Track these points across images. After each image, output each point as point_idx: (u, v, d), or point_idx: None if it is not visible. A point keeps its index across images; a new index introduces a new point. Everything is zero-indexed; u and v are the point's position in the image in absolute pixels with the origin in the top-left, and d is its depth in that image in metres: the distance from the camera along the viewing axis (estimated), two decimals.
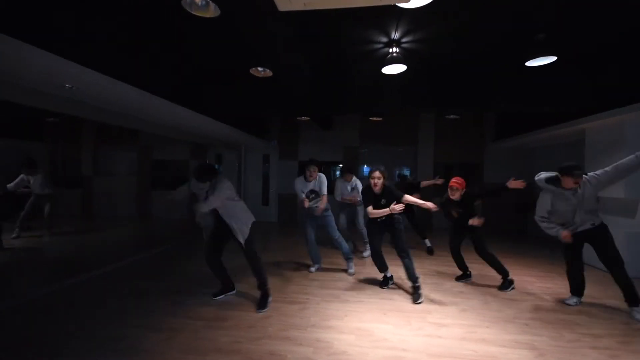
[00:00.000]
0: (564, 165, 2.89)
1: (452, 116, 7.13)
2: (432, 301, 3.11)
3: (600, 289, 3.52)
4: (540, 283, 3.71)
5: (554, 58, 3.50)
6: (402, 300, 3.11)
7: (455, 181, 3.58)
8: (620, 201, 4.25)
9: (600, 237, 2.95)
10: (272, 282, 3.52)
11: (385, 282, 3.53)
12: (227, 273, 3.20)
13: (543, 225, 3.03)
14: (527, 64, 3.66)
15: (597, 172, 2.90)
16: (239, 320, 2.65)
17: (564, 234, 2.90)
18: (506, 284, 3.50)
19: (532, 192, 6.94)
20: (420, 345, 2.31)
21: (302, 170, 4.10)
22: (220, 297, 3.12)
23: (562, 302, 3.16)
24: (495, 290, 3.43)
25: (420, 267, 4.25)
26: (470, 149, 7.66)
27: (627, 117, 3.94)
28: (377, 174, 3.32)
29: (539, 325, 2.63)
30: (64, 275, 3.65)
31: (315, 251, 4.07)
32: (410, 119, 7.81)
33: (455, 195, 3.58)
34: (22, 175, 5.53)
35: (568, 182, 2.85)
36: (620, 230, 4.11)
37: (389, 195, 3.40)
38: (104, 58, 2.88)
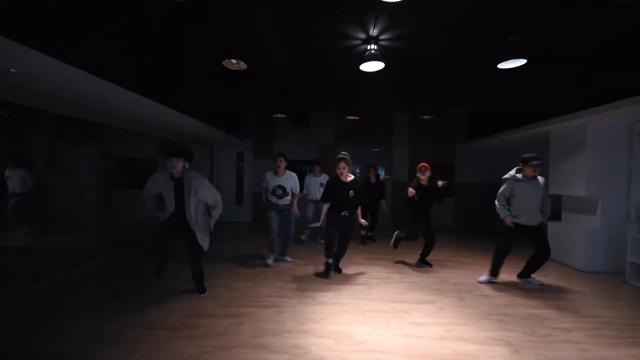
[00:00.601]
0: (525, 156, 3.46)
1: (426, 117, 7.26)
2: (410, 300, 3.09)
3: (567, 284, 3.68)
4: (510, 278, 3.82)
5: (524, 61, 3.62)
6: (379, 300, 3.06)
7: (424, 164, 4.16)
8: (581, 199, 4.50)
9: (539, 231, 3.51)
10: (245, 286, 3.35)
11: (328, 272, 3.73)
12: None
13: (499, 206, 3.54)
14: (499, 66, 3.75)
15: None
16: (209, 327, 2.46)
17: (508, 220, 3.46)
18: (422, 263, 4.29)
19: (498, 190, 7.19)
20: (399, 346, 2.25)
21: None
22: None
23: (479, 281, 3.68)
24: (469, 287, 3.49)
25: (395, 265, 4.26)
26: (442, 149, 7.86)
27: (588, 120, 4.16)
28: (342, 164, 3.55)
29: (512, 321, 2.67)
30: (13, 284, 3.25)
31: (275, 242, 4.12)
32: (385, 120, 7.87)
33: (425, 176, 4.10)
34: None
35: (528, 170, 3.42)
36: (580, 227, 4.35)
37: (357, 189, 3.60)
38: (52, 38, 2.56)
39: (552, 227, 4.85)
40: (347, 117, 7.44)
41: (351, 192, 3.55)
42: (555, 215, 4.99)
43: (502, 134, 5.84)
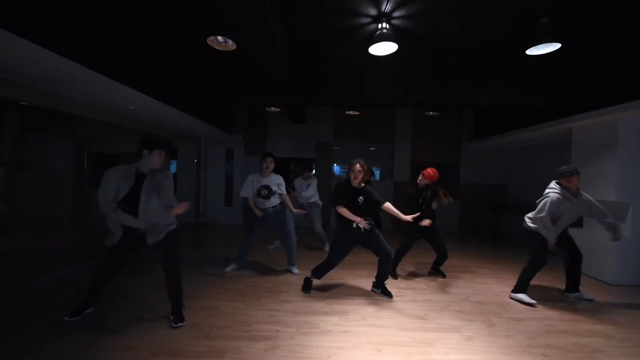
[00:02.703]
0: (567, 169, 3.02)
1: (431, 113, 6.79)
2: (431, 327, 2.58)
3: (601, 301, 3.23)
4: (537, 296, 3.35)
5: (558, 45, 3.15)
6: (393, 328, 2.54)
7: (429, 171, 3.61)
8: (608, 204, 4.05)
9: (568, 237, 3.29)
10: (232, 308, 2.78)
11: (309, 287, 3.25)
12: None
13: (545, 229, 3.07)
14: (528, 52, 3.28)
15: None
16: None
17: (553, 242, 3.09)
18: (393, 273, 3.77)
19: (506, 193, 6.74)
20: None
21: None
22: (76, 318, 2.47)
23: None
24: (495, 307, 3.00)
25: (404, 277, 3.75)
26: (447, 148, 7.41)
27: (621, 116, 3.72)
28: (357, 167, 3.01)
29: (559, 356, 2.18)
30: None
31: (246, 252, 3.85)
32: (387, 116, 7.37)
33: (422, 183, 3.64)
34: None
35: (574, 181, 2.98)
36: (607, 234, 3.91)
37: (368, 195, 3.06)
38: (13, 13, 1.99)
39: (574, 235, 4.39)
40: (347, 113, 6.91)
41: (360, 198, 3.04)
42: (576, 221, 4.56)
43: (518, 131, 5.40)
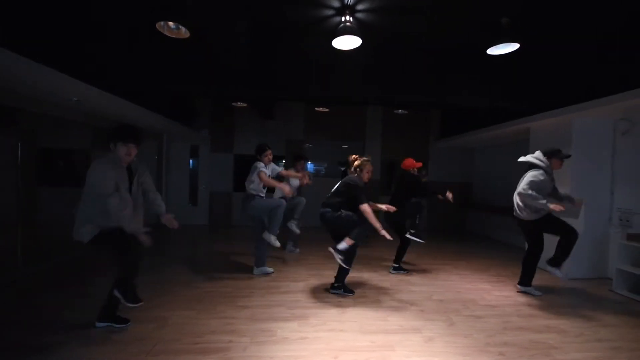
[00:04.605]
0: (555, 148, 3.23)
1: (400, 111, 6.81)
2: (392, 328, 2.51)
3: (555, 296, 3.35)
4: (497, 292, 3.42)
5: (517, 45, 3.19)
6: (354, 331, 2.44)
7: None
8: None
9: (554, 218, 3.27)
10: (184, 318, 2.57)
11: (346, 286, 3.22)
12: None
13: (533, 198, 3.02)
14: (489, 51, 3.30)
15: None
16: None
17: (556, 206, 2.98)
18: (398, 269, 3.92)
19: (471, 191, 6.92)
20: None
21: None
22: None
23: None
24: (456, 305, 3.01)
25: (370, 276, 3.70)
26: (416, 146, 7.49)
27: (575, 116, 3.87)
28: (369, 166, 3.26)
29: (516, 354, 2.19)
30: None
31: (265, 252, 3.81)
32: (357, 114, 7.33)
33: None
34: None
35: (557, 164, 3.20)
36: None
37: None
38: None
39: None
40: (316, 109, 6.78)
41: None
42: None
43: (479, 131, 5.53)
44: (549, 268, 3.28)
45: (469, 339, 2.38)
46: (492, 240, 6.48)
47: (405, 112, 6.86)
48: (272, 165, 3.87)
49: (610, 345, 2.35)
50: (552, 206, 2.97)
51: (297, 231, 4.46)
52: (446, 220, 7.47)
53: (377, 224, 2.92)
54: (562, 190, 4.03)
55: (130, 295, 2.27)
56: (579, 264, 3.93)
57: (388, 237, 2.94)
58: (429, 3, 2.75)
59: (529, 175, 3.15)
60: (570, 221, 4.09)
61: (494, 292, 3.39)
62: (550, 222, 3.21)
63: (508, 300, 3.17)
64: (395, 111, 6.88)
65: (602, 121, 3.97)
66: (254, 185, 3.58)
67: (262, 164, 3.65)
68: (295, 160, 4.80)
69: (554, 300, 3.23)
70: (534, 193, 3.03)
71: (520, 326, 2.62)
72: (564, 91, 4.08)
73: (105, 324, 2.34)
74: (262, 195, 3.65)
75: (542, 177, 3.11)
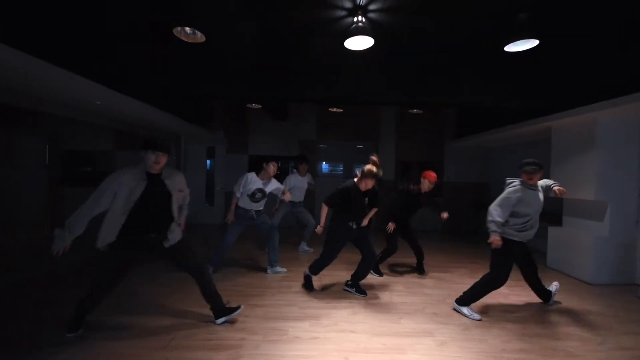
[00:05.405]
0: (522, 162, 2.87)
1: (415, 111, 6.71)
2: (404, 331, 2.49)
3: (580, 302, 3.21)
4: (515, 296, 3.31)
5: (536, 42, 3.09)
6: (367, 333, 2.44)
7: (433, 176, 3.72)
8: (587, 203, 4.06)
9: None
10: (199, 315, 2.63)
11: (310, 284, 3.31)
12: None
13: (494, 217, 2.71)
14: (506, 48, 3.21)
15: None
16: None
17: (496, 239, 2.68)
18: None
19: (487, 192, 6.73)
20: None
21: (253, 166, 3.65)
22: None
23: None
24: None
25: (382, 278, 3.66)
26: (430, 146, 7.36)
27: (599, 115, 3.70)
28: (371, 180, 3.02)
29: (530, 359, 2.12)
30: None
31: (223, 254, 3.73)
32: (371, 114, 7.28)
33: (424, 188, 3.74)
34: None
35: (525, 177, 2.79)
36: (588, 234, 3.91)
37: (373, 194, 3.12)
38: None
39: (553, 233, 4.42)
40: (330, 110, 6.78)
41: (366, 199, 3.09)
42: (555, 219, 4.57)
43: (497, 130, 5.37)
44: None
45: (484, 344, 2.32)
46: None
47: (420, 111, 6.75)
48: (274, 182, 3.72)
49: (633, 354, 2.24)
50: (492, 239, 2.69)
51: (310, 250, 4.73)
52: (462, 222, 7.30)
53: (321, 223, 3.11)
54: (587, 190, 3.88)
55: (76, 324, 2.26)
56: (605, 269, 3.75)
57: (319, 233, 3.17)
58: (444, 0, 2.70)
59: (504, 192, 2.82)
60: (594, 223, 3.95)
61: (511, 297, 3.28)
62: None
63: (527, 306, 3.07)
64: (410, 111, 6.79)
65: (629, 120, 3.77)
66: (241, 201, 3.60)
67: (251, 176, 3.61)
68: (297, 162, 4.83)
69: (576, 306, 3.10)
70: (496, 211, 2.71)
71: (539, 333, 2.53)
72: (586, 88, 3.91)
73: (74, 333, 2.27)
74: (249, 208, 3.61)
75: (518, 194, 2.71)
